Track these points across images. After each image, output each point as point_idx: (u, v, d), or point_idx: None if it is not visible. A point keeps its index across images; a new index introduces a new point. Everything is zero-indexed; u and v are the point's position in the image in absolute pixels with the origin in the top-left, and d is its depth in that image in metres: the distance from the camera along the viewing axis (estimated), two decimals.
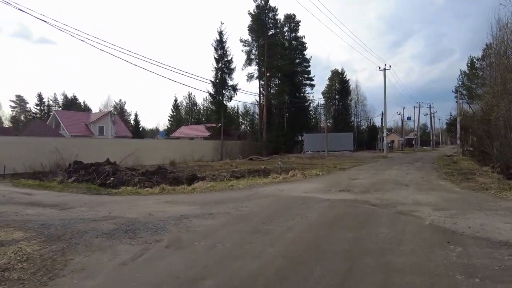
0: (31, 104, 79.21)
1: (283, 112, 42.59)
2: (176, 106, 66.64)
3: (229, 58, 35.83)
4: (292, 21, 45.41)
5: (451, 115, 51.92)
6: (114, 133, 52.64)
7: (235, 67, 36.11)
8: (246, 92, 55.75)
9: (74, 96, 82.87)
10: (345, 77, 57.91)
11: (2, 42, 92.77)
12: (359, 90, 63.27)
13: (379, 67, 33.61)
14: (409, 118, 62.95)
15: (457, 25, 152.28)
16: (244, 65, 40.62)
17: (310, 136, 40.33)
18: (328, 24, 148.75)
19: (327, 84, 61.71)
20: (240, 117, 73.83)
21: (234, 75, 36.35)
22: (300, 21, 45.42)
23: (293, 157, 32.06)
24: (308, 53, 49.42)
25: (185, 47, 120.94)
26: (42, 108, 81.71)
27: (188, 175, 16.19)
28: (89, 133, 49.41)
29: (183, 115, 67.43)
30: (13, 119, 77.71)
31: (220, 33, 35.39)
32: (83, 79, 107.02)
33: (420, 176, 13.41)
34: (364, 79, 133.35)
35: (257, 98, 41.60)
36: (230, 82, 35.95)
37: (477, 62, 37.84)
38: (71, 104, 78.59)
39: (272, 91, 42.84)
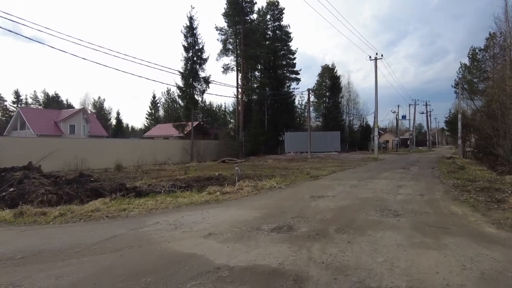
0: (10, 102, 75.01)
1: (264, 109, 38.14)
2: (154, 103, 61.96)
3: (200, 47, 31.50)
4: (275, 8, 41.00)
5: (450, 112, 47.90)
6: (88, 132, 48.52)
7: (208, 57, 31.78)
8: (225, 84, 51.09)
9: (56, 94, 78.90)
10: (335, 72, 53.87)
11: None
12: (351, 87, 59.25)
13: (370, 57, 29.34)
14: (404, 117, 58.90)
15: (452, 25, 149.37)
16: (219, 54, 36.25)
17: (292, 136, 35.87)
18: (322, 22, 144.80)
19: (316, 81, 57.66)
20: (228, 115, 69.47)
21: (207, 66, 32.28)
22: (284, 8, 41.01)
23: (271, 159, 27.72)
24: (293, 45, 45.20)
25: (155, 38, 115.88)
26: (19, 105, 76.98)
27: (114, 185, 11.76)
28: (59, 132, 45.14)
29: (161, 113, 62.78)
30: None
31: (191, 19, 31.10)
32: (63, 76, 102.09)
33: (419, 191, 9.09)
34: (359, 79, 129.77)
35: (235, 93, 37.18)
36: (202, 74, 31.59)
37: (479, 53, 33.79)
38: (52, 102, 74.32)
39: (252, 85, 38.46)
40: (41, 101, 78.00)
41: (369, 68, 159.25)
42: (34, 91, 79.93)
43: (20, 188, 10.57)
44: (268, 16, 41.53)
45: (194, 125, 43.53)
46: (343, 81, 55.06)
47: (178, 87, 31.45)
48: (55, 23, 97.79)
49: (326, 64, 56.07)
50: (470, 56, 34.47)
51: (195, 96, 31.66)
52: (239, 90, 34.74)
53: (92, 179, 12.85)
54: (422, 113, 61.29)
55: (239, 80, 34.93)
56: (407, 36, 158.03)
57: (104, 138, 41.86)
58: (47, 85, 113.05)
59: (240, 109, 34.14)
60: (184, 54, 31.05)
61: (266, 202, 7.71)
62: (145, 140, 34.16)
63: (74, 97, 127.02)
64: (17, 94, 76.16)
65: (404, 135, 73.39)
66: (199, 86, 31.81)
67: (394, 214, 6.16)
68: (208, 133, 44.34)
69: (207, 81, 31.64)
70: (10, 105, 75.67)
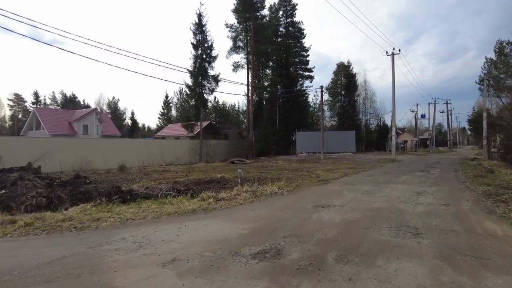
0: (30, 102, 76.85)
1: (275, 107, 36.88)
2: (166, 103, 61.63)
3: (209, 44, 30.60)
4: (287, 4, 39.65)
5: (473, 110, 45.30)
6: (101, 132, 48.64)
7: (217, 54, 30.83)
8: (235, 82, 50.12)
9: (73, 94, 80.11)
10: (351, 70, 52.09)
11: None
12: (368, 85, 57.08)
13: (386, 52, 27.68)
14: (423, 116, 56.34)
15: (472, 21, 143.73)
16: (229, 52, 35.23)
17: (304, 135, 34.42)
18: (338, 21, 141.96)
19: (331, 79, 55.92)
20: (241, 115, 68.50)
21: (216, 64, 31.38)
22: (297, 4, 39.62)
23: (281, 160, 26.50)
24: (306, 42, 43.78)
25: (163, 36, 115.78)
26: (38, 106, 78.70)
27: (109, 188, 10.90)
28: (73, 132, 45.39)
29: (174, 112, 62.41)
30: (12, 118, 74.99)
31: (200, 16, 30.24)
32: (80, 77, 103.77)
33: (443, 200, 7.74)
34: (376, 78, 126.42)
35: (246, 91, 36.09)
36: (212, 72, 30.69)
37: (506, 46, 31.51)
38: (69, 102, 75.47)
39: (263, 83, 37.28)
40: (59, 101, 79.38)
41: (386, 66, 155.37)
42: (53, 92, 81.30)
43: (12, 190, 9.86)
44: (281, 13, 40.26)
45: (205, 125, 42.86)
46: (359, 79, 53.22)
47: (187, 86, 30.65)
48: (62, 22, 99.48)
49: (341, 62, 54.37)
50: (497, 50, 32.20)
51: (204, 95, 30.84)
52: (249, 88, 33.64)
53: (87, 181, 12.02)
54: (442, 112, 58.60)
55: (250, 78, 33.85)
56: (424, 33, 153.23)
57: (112, 138, 41.60)
58: (65, 86, 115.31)
59: (250, 108, 33.03)
60: (193, 52, 30.23)
61: (260, 213, 6.57)
62: (152, 140, 33.57)
63: (90, 97, 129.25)
64: (36, 95, 77.79)
65: (423, 135, 70.51)
66: (208, 85, 30.95)
67: (414, 232, 4.91)
68: (219, 133, 43.45)
69: (216, 79, 30.72)
70: (30, 106, 77.28)
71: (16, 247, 5.05)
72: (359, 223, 5.56)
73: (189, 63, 33.12)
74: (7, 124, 72.88)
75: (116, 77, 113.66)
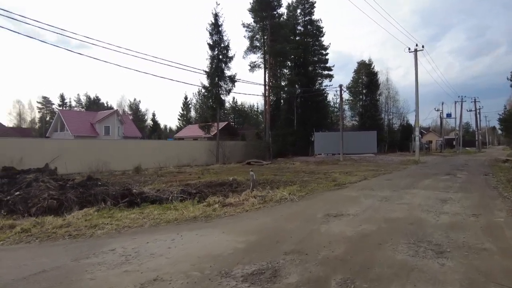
0: (56, 105, 79.69)
1: (293, 107, 36.13)
2: (185, 104, 62.06)
3: (226, 44, 30.34)
4: (306, 2, 38.86)
5: (505, 108, 42.77)
6: (122, 133, 49.53)
7: (234, 55, 30.54)
8: (252, 82, 49.61)
9: (97, 97, 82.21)
10: (373, 68, 50.57)
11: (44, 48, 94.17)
12: (390, 84, 55.19)
13: (409, 48, 26.40)
14: (449, 115, 53.84)
15: (503, 15, 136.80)
16: (245, 52, 34.81)
17: (322, 136, 33.47)
18: (359, 19, 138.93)
19: (352, 77, 54.55)
20: (260, 115, 68.09)
21: (233, 64, 31.05)
22: (315, 1, 38.73)
23: (298, 162, 25.78)
24: (325, 40, 42.71)
25: (180, 37, 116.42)
26: (64, 108, 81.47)
27: (120, 191, 10.72)
28: (95, 133, 46.48)
29: (193, 114, 62.75)
30: (40, 120, 78.06)
31: (216, 16, 30.04)
32: (103, 79, 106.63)
33: (471, 209, 6.93)
34: (399, 77, 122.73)
35: (263, 91, 35.56)
36: (228, 73, 30.42)
37: None
38: (93, 104, 77.61)
39: (280, 83, 36.63)
40: (83, 103, 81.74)
41: (409, 64, 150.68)
42: (77, 94, 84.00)
43: (26, 192, 9.84)
44: (298, 11, 39.52)
45: (222, 126, 42.69)
46: (381, 78, 51.56)
47: (204, 87, 30.53)
48: (79, 26, 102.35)
49: (362, 60, 52.81)
50: None
51: (221, 96, 30.60)
52: (266, 88, 33.11)
53: (99, 183, 11.89)
54: (470, 110, 55.73)
55: (266, 77, 33.32)
56: (451, 29, 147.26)
57: (130, 139, 42.16)
58: (89, 89, 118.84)
59: (267, 108, 32.50)
60: (209, 52, 30.07)
61: (265, 222, 6.03)
62: (169, 142, 33.69)
63: (113, 99, 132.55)
64: (62, 97, 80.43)
65: (449, 135, 67.55)
66: (225, 85, 30.70)
67: (436, 250, 4.23)
68: (237, 134, 43.17)
69: (233, 80, 30.42)
70: (57, 108, 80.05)
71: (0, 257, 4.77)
72: (373, 237, 4.92)
73: (205, 64, 32.89)
74: (36, 126, 75.73)
75: (137, 79, 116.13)
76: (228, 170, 20.94)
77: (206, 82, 29.85)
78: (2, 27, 38.52)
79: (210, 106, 31.28)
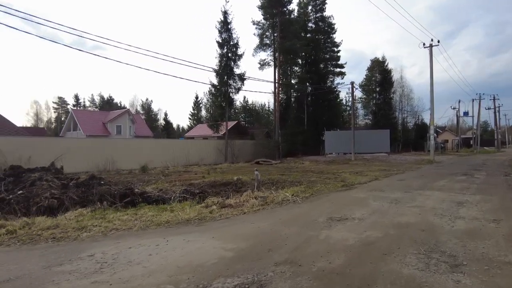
0: (71, 105, 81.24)
1: (304, 106, 35.43)
2: (196, 104, 62.00)
3: (235, 42, 29.98)
4: None
5: None
6: (134, 133, 49.85)
7: (243, 53, 30.17)
8: (263, 80, 49.02)
9: (110, 97, 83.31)
10: (386, 66, 49.45)
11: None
12: (405, 82, 53.80)
13: (423, 44, 25.37)
14: (466, 114, 52.03)
15: None
16: (255, 50, 34.25)
17: (333, 135, 32.64)
18: (372, 15, 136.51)
19: (365, 75, 53.50)
20: (271, 115, 67.53)
21: (242, 63, 30.77)
22: None
23: (308, 161, 25.16)
24: (337, 37, 41.80)
25: (189, 35, 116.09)
26: (78, 108, 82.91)
27: (122, 190, 10.47)
28: (106, 133, 46.90)
29: (203, 113, 62.64)
30: (56, 120, 79.62)
31: (225, 13, 29.73)
32: (117, 79, 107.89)
33: (491, 214, 6.28)
34: (414, 75, 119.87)
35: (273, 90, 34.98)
36: (237, 71, 30.05)
37: None
38: (106, 104, 78.62)
39: (290, 81, 35.97)
40: (97, 103, 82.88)
41: (424, 63, 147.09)
42: (92, 95, 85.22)
43: (29, 191, 9.65)
44: (310, 7, 38.77)
45: (232, 125, 42.31)
46: (395, 76, 50.33)
47: (213, 85, 30.18)
48: (82, 23, 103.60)
49: (375, 58, 51.60)
50: None
51: (231, 94, 30.24)
52: (276, 85, 32.54)
53: (102, 182, 11.65)
54: (489, 108, 53.69)
55: (276, 75, 32.75)
56: (468, 25, 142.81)
57: (140, 138, 42.23)
58: (103, 89, 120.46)
59: (277, 106, 31.93)
60: (219, 50, 29.76)
61: (260, 227, 5.54)
62: (178, 141, 33.53)
63: (126, 99, 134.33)
64: (76, 98, 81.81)
65: (465, 134, 65.40)
66: (234, 84, 30.35)
67: (451, 263, 3.66)
68: (247, 133, 42.75)
69: (242, 78, 30.03)
70: (71, 108, 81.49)
71: None
72: (378, 245, 4.37)
73: (214, 62, 32.60)
74: (53, 126, 77.28)
75: (149, 79, 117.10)
76: (236, 169, 20.53)
77: (215, 81, 29.53)
78: (23, 31, 39.07)
79: (219, 104, 30.93)
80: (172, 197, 9.54)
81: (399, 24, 69.85)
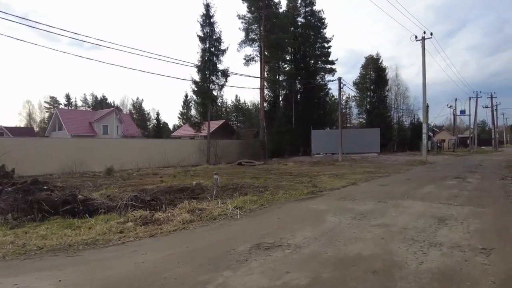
0: (63, 105, 79.41)
1: (292, 104, 33.72)
2: (186, 103, 60.18)
3: (218, 36, 28.31)
4: None
5: None
6: (121, 132, 48.11)
7: (227, 48, 28.53)
8: (250, 76, 47.34)
9: (103, 96, 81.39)
10: (381, 63, 47.75)
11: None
12: (400, 80, 52.16)
13: (416, 37, 23.68)
14: (463, 112, 50.34)
15: None
16: (240, 44, 32.52)
17: (320, 134, 30.89)
18: (371, 15, 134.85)
19: (360, 73, 51.75)
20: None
21: (226, 58, 29.08)
22: None
23: (292, 162, 23.47)
24: (328, 32, 40.10)
25: (170, 29, 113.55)
26: (69, 108, 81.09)
27: (63, 197, 8.76)
28: (93, 133, 45.16)
29: (193, 112, 60.78)
30: (48, 120, 77.84)
31: (207, 6, 28.16)
32: (109, 79, 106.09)
33: (480, 237, 4.58)
34: (412, 75, 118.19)
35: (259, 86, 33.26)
36: (221, 67, 28.37)
37: None
38: (99, 104, 76.80)
39: (277, 78, 34.30)
40: (89, 103, 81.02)
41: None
42: (84, 94, 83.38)
43: None
44: (299, 1, 37.05)
45: (219, 124, 40.60)
46: (390, 74, 48.65)
47: (194, 82, 28.40)
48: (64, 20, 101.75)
49: (370, 55, 49.92)
50: None
51: (213, 92, 28.58)
52: (262, 81, 30.85)
53: (45, 187, 9.97)
54: (486, 107, 51.98)
55: (261, 70, 31.05)
56: (467, 24, 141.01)
57: (122, 138, 40.48)
58: (95, 88, 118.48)
59: (262, 103, 30.24)
60: (201, 45, 28.07)
61: (143, 263, 3.82)
62: (157, 141, 31.90)
63: (119, 99, 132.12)
64: (68, 97, 79.82)
65: (463, 133, 63.77)
66: (217, 80, 28.66)
67: None
68: (235, 133, 41.09)
69: (225, 74, 28.33)
70: (63, 108, 79.65)
71: None
72: None
73: (196, 58, 30.89)
74: (47, 126, 75.48)
75: (140, 78, 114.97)
76: (211, 171, 18.82)
77: (197, 77, 27.83)
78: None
79: (201, 102, 29.24)
80: (118, 205, 7.98)
81: (398, 23, 68.24)
